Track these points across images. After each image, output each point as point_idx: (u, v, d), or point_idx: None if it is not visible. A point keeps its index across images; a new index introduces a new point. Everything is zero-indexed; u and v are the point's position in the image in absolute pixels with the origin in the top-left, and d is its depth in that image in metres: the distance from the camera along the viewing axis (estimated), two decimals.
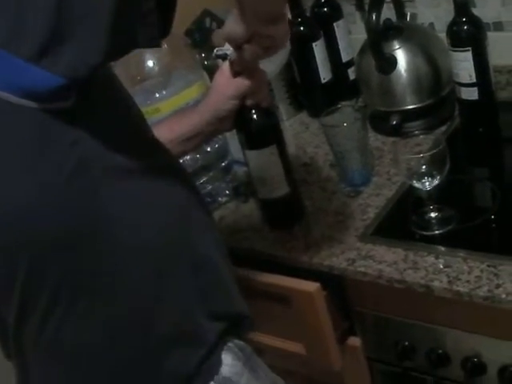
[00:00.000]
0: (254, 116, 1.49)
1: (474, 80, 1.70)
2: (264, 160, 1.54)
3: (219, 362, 1.25)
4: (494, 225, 1.52)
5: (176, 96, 1.82)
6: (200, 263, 1.20)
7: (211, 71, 1.90)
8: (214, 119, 1.49)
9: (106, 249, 1.06)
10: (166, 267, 1.14)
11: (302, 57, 2.04)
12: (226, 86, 1.46)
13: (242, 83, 1.44)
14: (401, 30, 1.86)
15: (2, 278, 1.06)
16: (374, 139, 1.90)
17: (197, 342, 1.22)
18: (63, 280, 1.06)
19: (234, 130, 1.56)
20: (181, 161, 1.64)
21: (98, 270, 1.07)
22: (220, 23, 2.06)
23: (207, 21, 2.10)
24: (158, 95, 1.81)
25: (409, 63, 1.82)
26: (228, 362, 1.26)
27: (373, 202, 1.66)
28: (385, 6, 1.77)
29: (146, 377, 1.18)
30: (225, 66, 1.46)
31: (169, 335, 1.18)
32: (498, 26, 1.89)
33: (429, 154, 1.47)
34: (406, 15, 1.98)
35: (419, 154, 1.52)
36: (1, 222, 1.00)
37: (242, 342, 1.31)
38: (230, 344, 1.28)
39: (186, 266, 1.18)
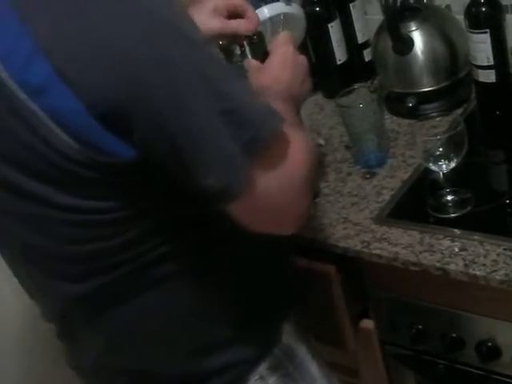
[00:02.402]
0: None
1: (492, 62, 1.68)
2: None
3: (281, 330, 1.30)
4: (510, 208, 1.50)
5: None
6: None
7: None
8: None
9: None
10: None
11: (317, 37, 2.02)
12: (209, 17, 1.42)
13: (217, 25, 1.42)
14: (418, 11, 1.84)
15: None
16: (390, 121, 1.88)
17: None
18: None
19: None
20: None
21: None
22: None
23: None
24: None
25: (426, 44, 1.81)
26: (289, 332, 1.31)
27: (388, 183, 1.65)
28: None
29: None
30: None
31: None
32: None
33: (447, 135, 1.46)
34: None
35: (435, 136, 1.51)
36: None
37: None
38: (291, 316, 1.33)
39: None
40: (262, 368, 1.26)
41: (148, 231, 1.10)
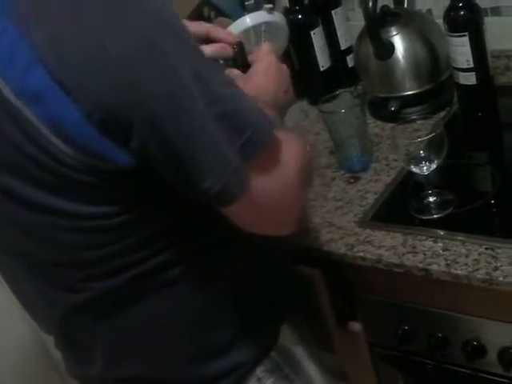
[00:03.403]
0: None
1: (472, 65, 1.70)
2: None
3: (279, 333, 1.31)
4: (492, 208, 1.52)
5: None
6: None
7: None
8: None
9: None
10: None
11: (300, 45, 2.04)
12: None
13: None
14: (398, 16, 1.86)
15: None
16: (373, 125, 1.90)
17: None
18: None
19: None
20: None
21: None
22: (218, 12, 2.06)
23: (205, 10, 2.10)
24: None
25: (407, 49, 1.83)
26: (286, 333, 1.32)
27: (372, 187, 1.66)
28: None
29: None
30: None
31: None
32: (496, 11, 1.89)
33: (426, 138, 1.47)
34: (404, 2, 1.98)
35: (417, 139, 1.53)
36: None
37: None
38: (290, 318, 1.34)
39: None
40: (259, 371, 1.27)
41: (148, 237, 1.11)
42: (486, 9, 1.85)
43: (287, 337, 1.32)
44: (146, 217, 1.09)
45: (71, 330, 1.26)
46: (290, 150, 1.11)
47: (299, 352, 1.34)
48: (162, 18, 0.97)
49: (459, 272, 1.35)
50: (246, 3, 1.94)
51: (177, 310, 1.18)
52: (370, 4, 1.73)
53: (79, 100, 0.94)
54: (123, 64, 0.93)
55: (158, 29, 0.95)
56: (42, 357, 1.72)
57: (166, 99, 0.95)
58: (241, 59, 1.42)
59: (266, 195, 1.06)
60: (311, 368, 1.37)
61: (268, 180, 1.06)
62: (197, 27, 1.41)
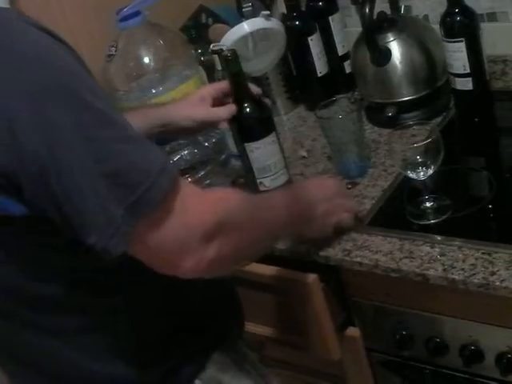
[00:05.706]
0: (248, 109, 1.52)
1: (468, 70, 1.71)
2: (266, 149, 1.57)
3: (206, 360, 1.29)
4: (489, 213, 1.52)
5: (172, 91, 1.84)
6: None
7: (207, 67, 1.91)
8: (165, 129, 1.54)
9: None
10: None
11: (297, 51, 2.05)
12: (196, 106, 1.52)
13: (202, 114, 1.51)
14: (395, 22, 1.86)
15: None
16: (371, 131, 1.91)
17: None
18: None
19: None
20: (178, 156, 1.70)
21: None
22: (215, 19, 2.07)
23: (203, 16, 2.11)
24: (154, 91, 1.83)
25: (403, 55, 1.83)
26: (214, 361, 1.30)
27: (369, 192, 1.67)
28: None
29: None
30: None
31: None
32: (492, 17, 1.90)
33: (422, 143, 1.48)
34: (401, 8, 1.98)
35: (414, 144, 1.54)
36: None
37: (234, 339, 1.36)
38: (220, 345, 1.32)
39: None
40: None
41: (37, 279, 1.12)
42: (482, 14, 1.87)
43: (215, 364, 1.30)
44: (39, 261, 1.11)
45: None
46: (207, 199, 1.12)
47: (227, 378, 1.32)
48: (48, 69, 0.96)
49: (456, 277, 1.35)
50: (244, 10, 1.96)
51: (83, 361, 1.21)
52: (367, 10, 1.73)
53: None
54: (3, 124, 0.94)
55: (40, 82, 0.95)
56: None
57: (46, 155, 0.95)
58: (234, 67, 1.45)
59: (161, 245, 1.04)
60: None
61: (164, 232, 1.03)
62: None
